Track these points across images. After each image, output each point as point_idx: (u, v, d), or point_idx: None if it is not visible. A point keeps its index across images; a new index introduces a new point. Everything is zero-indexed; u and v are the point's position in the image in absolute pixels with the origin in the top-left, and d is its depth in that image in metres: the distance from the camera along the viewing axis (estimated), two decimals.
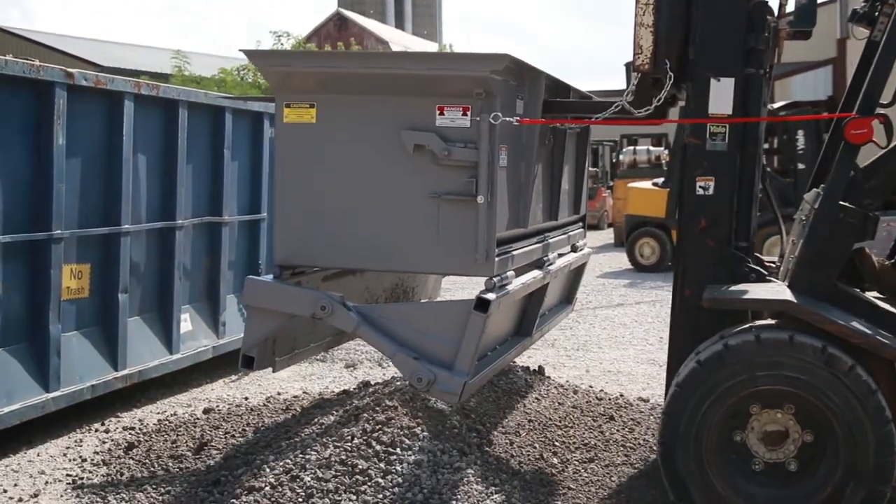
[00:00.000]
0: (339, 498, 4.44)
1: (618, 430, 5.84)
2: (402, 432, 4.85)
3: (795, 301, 4.34)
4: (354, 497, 4.44)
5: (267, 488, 4.60)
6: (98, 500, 4.86)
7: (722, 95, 4.72)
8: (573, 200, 6.37)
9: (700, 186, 4.79)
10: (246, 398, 7.04)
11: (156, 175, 6.87)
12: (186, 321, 7.28)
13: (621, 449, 5.51)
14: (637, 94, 4.78)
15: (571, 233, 6.24)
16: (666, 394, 4.98)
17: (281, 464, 4.84)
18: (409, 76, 4.41)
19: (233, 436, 5.69)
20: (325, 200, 4.55)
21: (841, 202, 4.47)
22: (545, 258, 5.39)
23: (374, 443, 4.79)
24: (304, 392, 7.07)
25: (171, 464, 5.31)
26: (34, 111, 5.75)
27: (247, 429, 5.79)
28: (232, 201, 7.79)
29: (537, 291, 5.42)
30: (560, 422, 5.68)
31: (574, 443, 5.43)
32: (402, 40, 51.14)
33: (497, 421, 5.33)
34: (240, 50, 4.93)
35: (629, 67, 4.87)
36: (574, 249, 6.33)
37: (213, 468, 5.09)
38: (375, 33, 49.79)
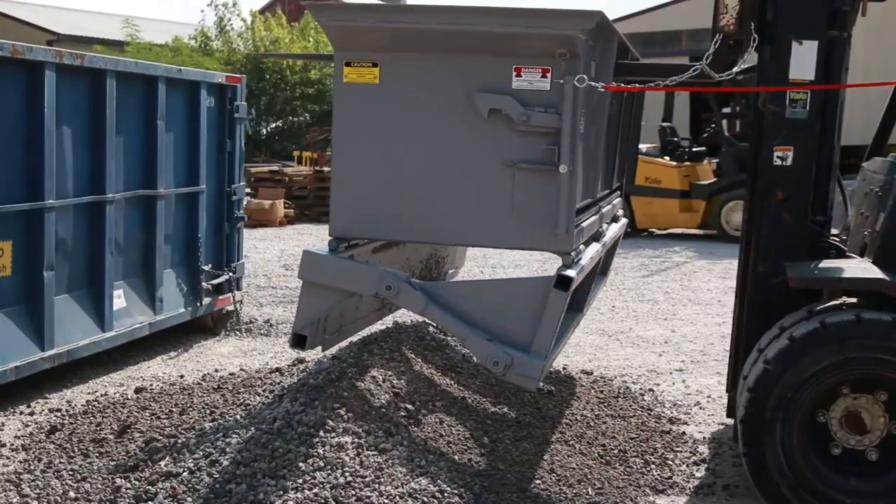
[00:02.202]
0: (258, 483, 4.28)
1: (555, 406, 5.73)
2: (325, 413, 4.70)
3: (888, 279, 4.20)
4: (273, 482, 4.28)
5: (185, 474, 4.44)
6: (11, 487, 4.68)
7: (804, 60, 4.50)
8: (620, 167, 6.16)
9: (778, 156, 4.60)
10: (182, 376, 6.88)
11: (83, 148, 6.63)
12: (120, 297, 7.07)
13: (557, 425, 5.41)
14: (715, 57, 4.50)
15: (614, 201, 5.99)
16: (731, 369, 5.09)
17: (201, 447, 4.69)
18: (485, 34, 4.06)
19: (158, 417, 5.52)
20: (388, 168, 4.25)
21: None
22: (601, 229, 5.16)
23: (296, 424, 4.63)
24: (241, 369, 6.91)
25: (91, 448, 5.13)
26: None
27: (174, 409, 5.63)
28: (168, 173, 7.57)
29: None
30: (495, 398, 5.55)
31: (507, 420, 5.30)
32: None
33: (428, 399, 5.18)
34: (301, 2, 4.62)
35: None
36: (615, 219, 6.09)
37: (132, 452, 4.93)
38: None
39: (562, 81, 3.99)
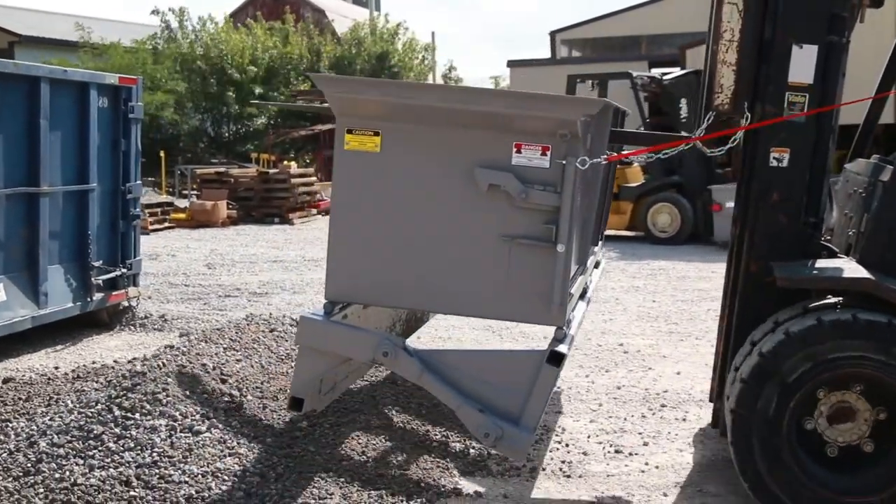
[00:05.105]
0: (66, 463, 4.51)
1: (393, 395, 5.96)
2: (145, 398, 4.94)
3: (875, 279, 4.30)
4: (81, 461, 4.52)
5: (4, 455, 4.67)
6: None
7: (803, 63, 4.59)
8: (606, 218, 6.20)
9: (774, 158, 4.66)
10: (57, 368, 7.09)
11: None
12: (0, 292, 7.28)
13: (386, 410, 5.64)
14: (707, 130, 4.66)
15: (596, 249, 6.03)
16: (717, 379, 5.13)
17: (26, 430, 4.92)
18: (486, 113, 4.13)
19: (5, 404, 5.74)
20: (386, 235, 4.29)
21: None
22: (587, 285, 5.19)
23: (114, 408, 4.87)
24: (115, 361, 7.12)
25: None
26: None
27: (22, 398, 5.84)
28: (53, 172, 7.77)
29: None
30: None
31: (334, 407, 5.53)
32: (339, 9, 50.67)
33: (257, 386, 5.42)
34: (306, 74, 4.58)
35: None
36: (596, 265, 6.11)
37: None
38: (312, 2, 49.26)
39: (563, 162, 4.04)
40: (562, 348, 4.19)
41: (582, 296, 5.12)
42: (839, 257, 4.75)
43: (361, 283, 4.35)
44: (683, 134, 4.79)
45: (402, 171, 4.25)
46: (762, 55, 4.70)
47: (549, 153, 4.08)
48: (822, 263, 4.62)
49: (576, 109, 4.06)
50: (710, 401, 5.63)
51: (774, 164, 4.67)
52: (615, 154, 4.80)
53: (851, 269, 4.50)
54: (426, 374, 4.29)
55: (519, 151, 4.11)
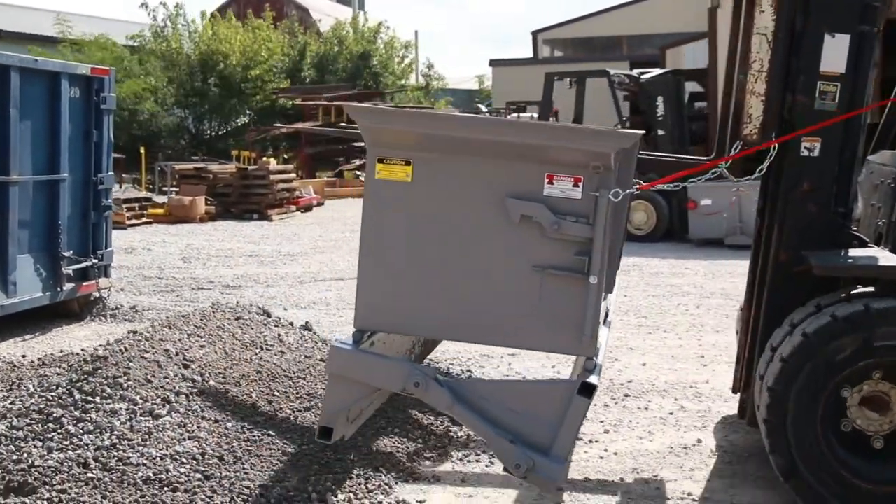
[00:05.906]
0: (24, 445, 4.53)
1: None
2: (105, 382, 4.96)
3: None
4: (40, 444, 4.53)
5: None
6: None
7: (835, 52, 4.59)
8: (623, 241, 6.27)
9: (805, 147, 4.65)
10: (24, 356, 7.09)
11: None
12: None
13: None
14: (720, 154, 4.69)
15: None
16: (742, 370, 5.13)
17: None
18: (518, 144, 4.12)
19: None
20: (416, 264, 4.26)
21: None
22: (607, 309, 5.23)
23: (75, 392, 4.89)
24: (82, 350, 7.12)
25: None
26: None
27: None
28: (24, 161, 7.78)
29: None
30: (295, 374, 5.81)
31: (297, 393, 5.56)
32: (323, 8, 50.69)
33: (220, 371, 5.45)
34: (341, 104, 4.53)
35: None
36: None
37: None
38: (296, 0, 49.26)
39: (596, 194, 4.04)
40: (593, 379, 4.17)
41: (604, 320, 5.10)
42: (870, 247, 4.78)
43: (391, 312, 4.33)
44: (705, 158, 4.81)
45: (433, 200, 4.23)
46: (794, 47, 4.70)
47: (581, 184, 4.07)
48: (855, 252, 4.64)
49: (610, 142, 4.06)
50: (734, 392, 5.60)
51: (805, 153, 4.66)
52: (646, 184, 4.82)
53: (886, 257, 4.54)
54: (457, 404, 4.25)
55: (551, 182, 4.09)
